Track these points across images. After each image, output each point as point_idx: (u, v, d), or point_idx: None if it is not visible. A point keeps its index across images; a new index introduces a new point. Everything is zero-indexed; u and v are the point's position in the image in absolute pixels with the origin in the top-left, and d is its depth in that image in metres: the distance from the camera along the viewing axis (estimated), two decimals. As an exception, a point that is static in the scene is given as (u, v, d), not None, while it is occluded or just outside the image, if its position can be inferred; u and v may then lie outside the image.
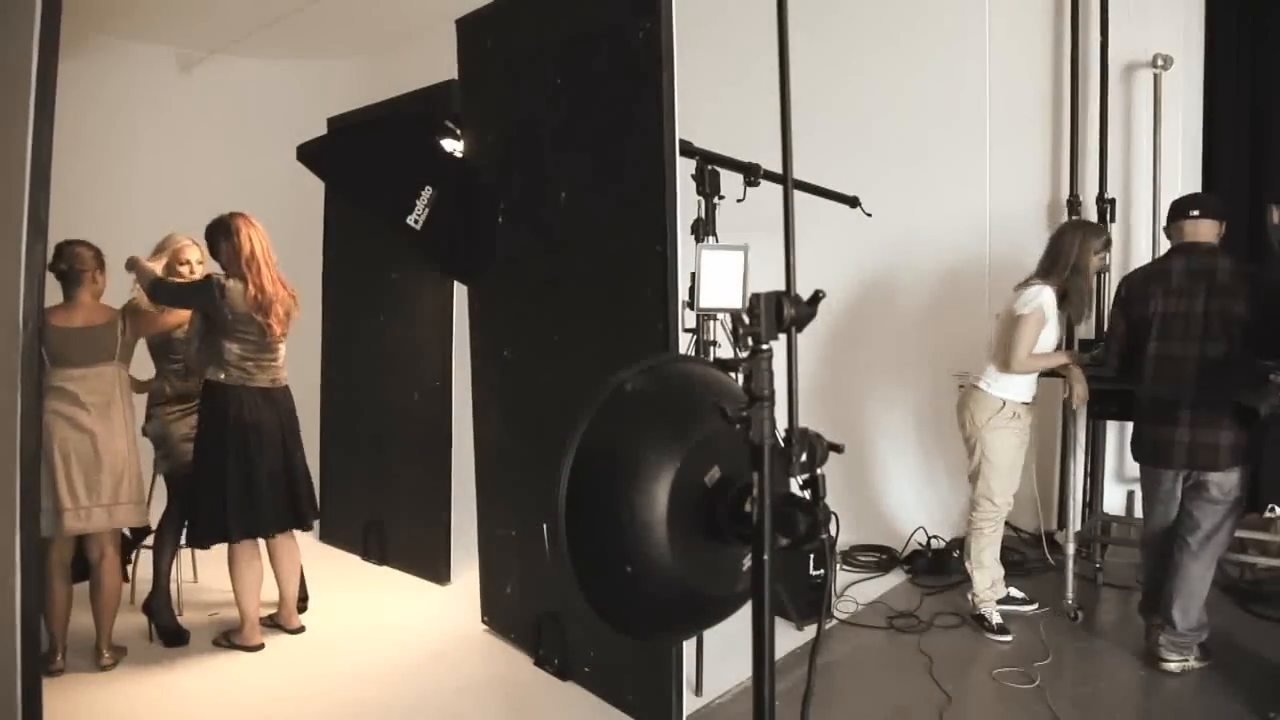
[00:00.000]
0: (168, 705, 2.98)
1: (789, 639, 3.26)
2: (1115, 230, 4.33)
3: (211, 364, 3.28)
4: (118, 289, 3.62)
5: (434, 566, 4.19)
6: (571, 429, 1.50)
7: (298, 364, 3.81)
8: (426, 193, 3.53)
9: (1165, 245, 4.24)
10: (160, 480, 3.57)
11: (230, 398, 3.26)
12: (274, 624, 3.59)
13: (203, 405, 3.32)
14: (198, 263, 3.52)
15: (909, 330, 4.84)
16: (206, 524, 3.27)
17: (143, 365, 3.60)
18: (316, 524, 3.97)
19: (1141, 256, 4.35)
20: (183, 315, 3.44)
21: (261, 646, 3.40)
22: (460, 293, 3.93)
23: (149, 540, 3.60)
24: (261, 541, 3.42)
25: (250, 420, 3.28)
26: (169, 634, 3.43)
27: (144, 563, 3.64)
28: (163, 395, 3.52)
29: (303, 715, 2.93)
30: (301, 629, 3.60)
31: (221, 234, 3.33)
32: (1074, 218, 4.26)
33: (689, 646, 2.89)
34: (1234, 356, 2.90)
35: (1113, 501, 4.38)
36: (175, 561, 3.57)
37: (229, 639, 3.40)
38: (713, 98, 4.44)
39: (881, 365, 4.93)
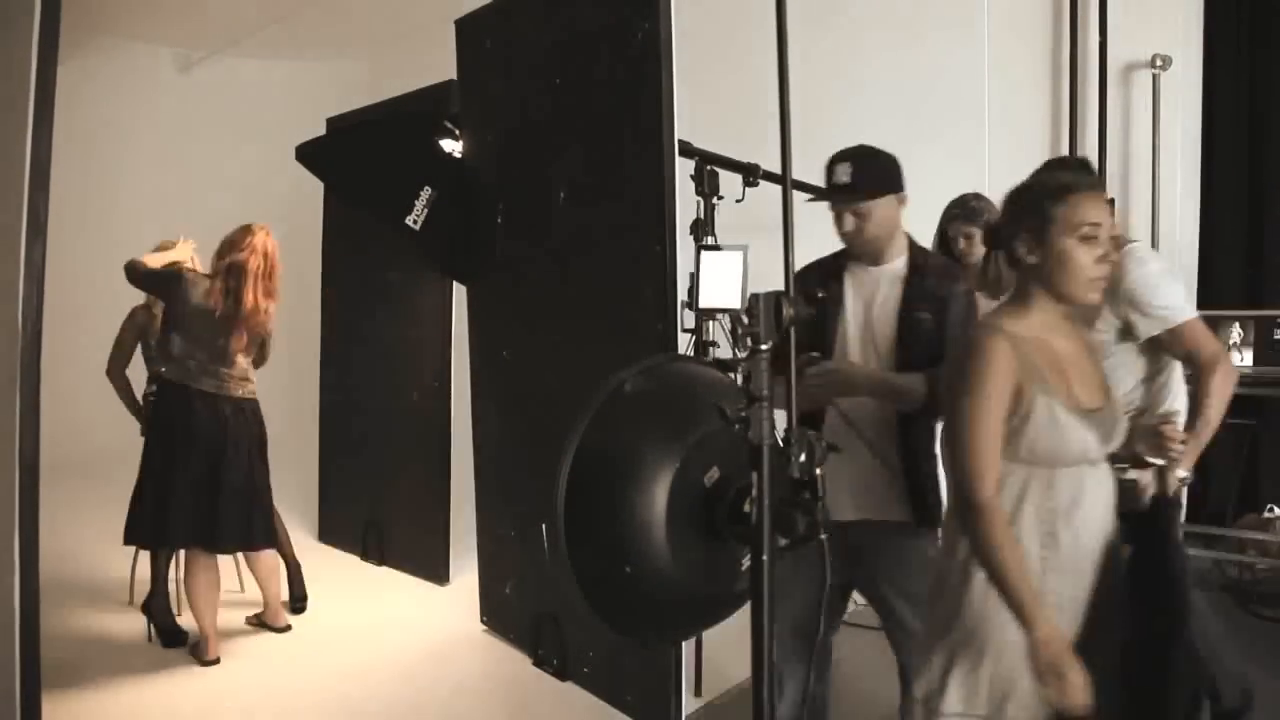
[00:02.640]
0: (166, 705, 2.97)
1: (788, 639, 3.26)
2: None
3: (160, 356, 3.27)
4: (124, 289, 3.63)
5: (433, 566, 4.19)
6: (570, 429, 1.50)
7: (297, 364, 3.81)
8: (425, 193, 3.53)
9: (1164, 245, 4.26)
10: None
11: (169, 395, 3.22)
12: (260, 624, 3.59)
13: (154, 399, 3.30)
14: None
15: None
16: (138, 522, 3.23)
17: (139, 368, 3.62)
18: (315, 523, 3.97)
19: (1141, 257, 4.35)
20: None
21: (216, 661, 3.26)
22: (460, 293, 3.93)
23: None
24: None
25: (182, 421, 3.17)
26: (167, 634, 3.43)
27: (143, 563, 3.64)
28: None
29: (301, 715, 2.93)
30: (288, 628, 3.59)
31: (233, 236, 3.34)
32: None
33: (689, 646, 2.89)
34: None
35: (1112, 502, 4.38)
36: (173, 562, 3.57)
37: (192, 649, 3.34)
38: (712, 98, 4.44)
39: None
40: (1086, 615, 1.59)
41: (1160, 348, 2.23)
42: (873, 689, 3.00)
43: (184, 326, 3.22)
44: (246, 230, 3.35)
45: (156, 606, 3.46)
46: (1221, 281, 4.19)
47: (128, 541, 3.35)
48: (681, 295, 2.63)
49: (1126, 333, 2.23)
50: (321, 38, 6.16)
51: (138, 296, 3.58)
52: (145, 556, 3.59)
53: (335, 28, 5.99)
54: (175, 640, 3.42)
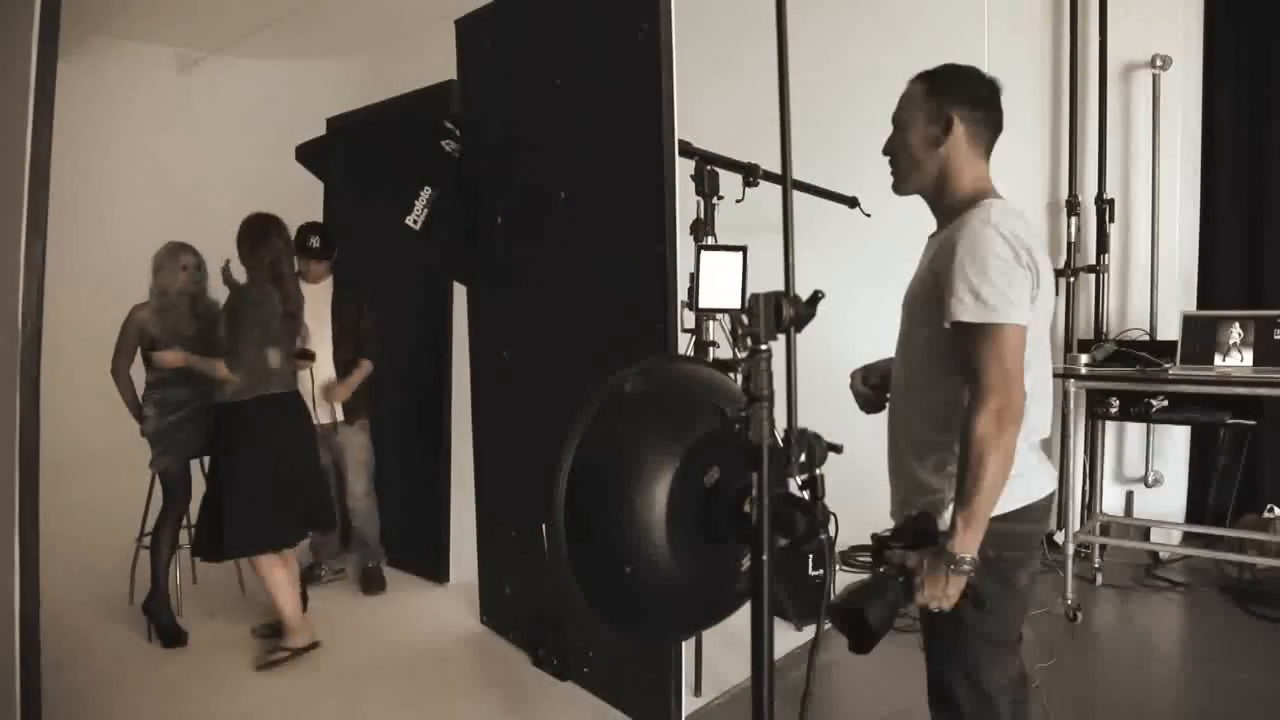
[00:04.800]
0: (165, 705, 2.97)
1: (788, 639, 3.26)
2: (1114, 230, 4.33)
3: (260, 373, 3.21)
4: (124, 289, 3.62)
5: (433, 566, 4.19)
6: (570, 429, 1.50)
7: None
8: (425, 193, 3.53)
9: (1163, 245, 4.27)
10: (156, 479, 3.57)
11: (261, 408, 3.22)
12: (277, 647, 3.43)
13: (240, 413, 3.22)
14: (195, 267, 3.51)
15: (908, 330, 4.84)
16: (276, 525, 3.26)
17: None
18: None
19: (1141, 257, 4.35)
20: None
21: (317, 644, 3.35)
22: (459, 293, 3.93)
23: (148, 540, 3.61)
24: None
25: (280, 431, 3.28)
26: (168, 634, 3.43)
27: (142, 563, 3.64)
28: (162, 392, 3.50)
29: (301, 715, 2.93)
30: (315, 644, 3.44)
31: (262, 233, 3.29)
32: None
33: (688, 646, 2.89)
34: None
35: (1111, 502, 4.38)
36: (174, 562, 3.56)
37: (276, 650, 3.29)
38: (712, 98, 4.44)
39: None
40: None
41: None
42: (872, 689, 3.01)
43: (276, 339, 3.25)
44: (274, 230, 3.30)
45: (157, 606, 3.46)
46: (1221, 281, 4.20)
47: (249, 551, 3.26)
48: (681, 295, 2.63)
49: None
50: (321, 38, 6.15)
51: (139, 295, 3.57)
52: (145, 556, 3.59)
53: (335, 28, 5.98)
54: (175, 641, 3.42)
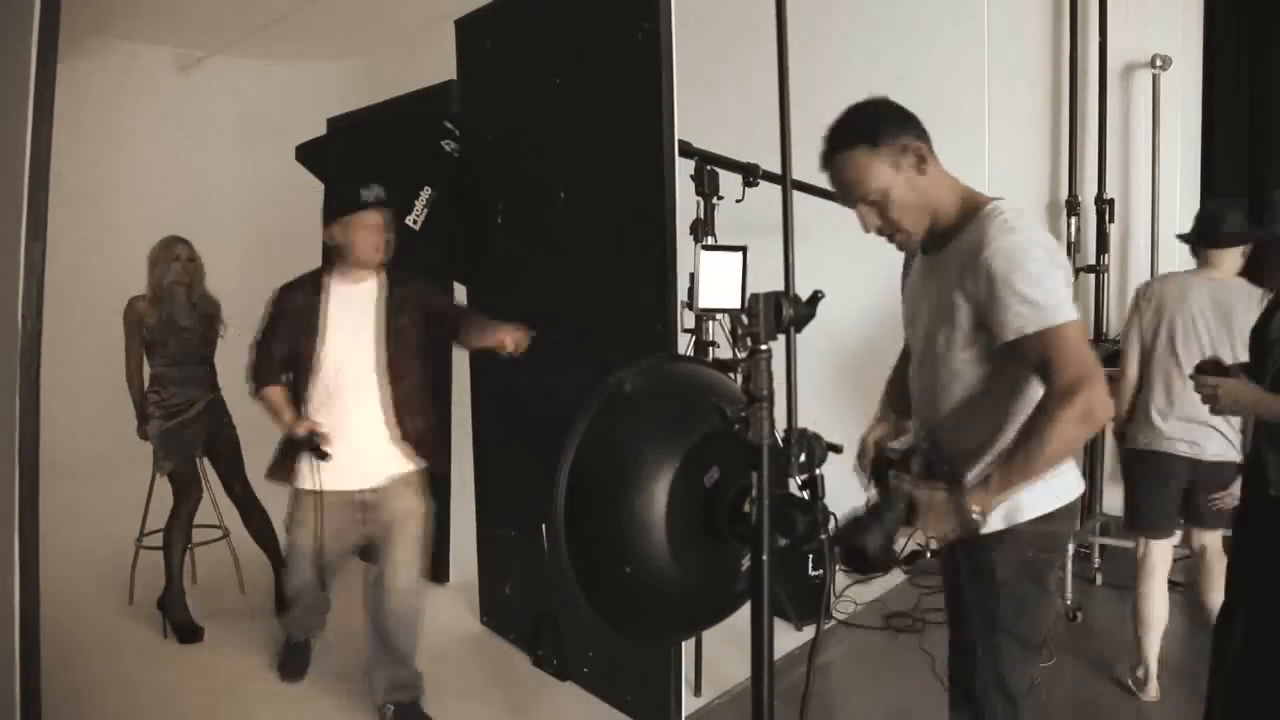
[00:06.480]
0: (165, 706, 2.98)
1: (788, 639, 3.26)
2: (1114, 230, 4.33)
3: None
4: (124, 289, 3.62)
5: (433, 566, 4.18)
6: (570, 429, 1.50)
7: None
8: (425, 193, 3.53)
9: (1164, 246, 4.26)
10: (160, 479, 3.56)
11: None
12: None
13: None
14: (188, 259, 3.50)
15: (908, 330, 4.83)
16: None
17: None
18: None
19: (1140, 257, 4.34)
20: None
21: None
22: (459, 293, 3.93)
23: (148, 540, 3.61)
24: None
25: None
26: (184, 630, 3.42)
27: (144, 562, 3.64)
28: (164, 394, 3.50)
29: (302, 714, 2.93)
30: None
31: None
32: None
33: (688, 646, 2.89)
34: None
35: (1111, 502, 4.37)
36: (186, 557, 3.55)
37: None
38: (712, 98, 4.45)
39: (881, 365, 4.91)
40: None
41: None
42: (872, 689, 3.01)
43: None
44: None
45: (171, 603, 3.45)
46: (1221, 281, 4.19)
47: None
48: (681, 295, 2.63)
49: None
50: (321, 38, 6.16)
51: (139, 288, 3.56)
52: (145, 556, 3.59)
53: (335, 28, 5.98)
54: (191, 636, 3.40)
